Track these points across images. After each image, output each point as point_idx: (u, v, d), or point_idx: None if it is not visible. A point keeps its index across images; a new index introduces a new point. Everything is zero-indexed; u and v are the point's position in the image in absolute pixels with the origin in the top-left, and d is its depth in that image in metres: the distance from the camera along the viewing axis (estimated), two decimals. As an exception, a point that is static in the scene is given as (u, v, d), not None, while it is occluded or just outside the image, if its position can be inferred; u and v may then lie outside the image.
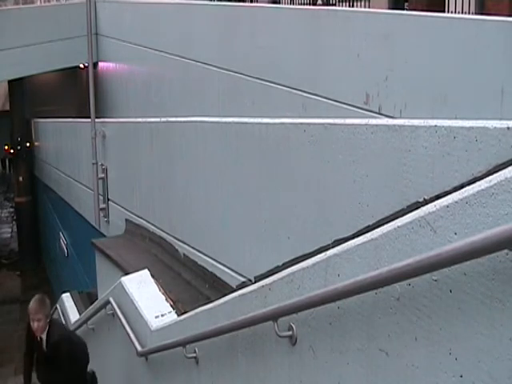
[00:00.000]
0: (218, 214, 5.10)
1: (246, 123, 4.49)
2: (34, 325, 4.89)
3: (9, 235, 23.18)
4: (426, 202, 2.38)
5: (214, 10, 9.70)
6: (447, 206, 1.93)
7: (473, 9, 8.03)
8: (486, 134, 2.11)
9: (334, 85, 6.21)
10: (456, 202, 1.90)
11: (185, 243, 5.91)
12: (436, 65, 4.89)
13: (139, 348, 5.08)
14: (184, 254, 5.90)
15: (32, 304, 4.92)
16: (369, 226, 2.84)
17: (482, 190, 1.81)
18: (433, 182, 2.41)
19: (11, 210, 25.32)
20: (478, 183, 1.87)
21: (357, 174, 3.03)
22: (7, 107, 20.75)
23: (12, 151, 19.93)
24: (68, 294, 9.74)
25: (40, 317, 4.88)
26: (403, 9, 10.06)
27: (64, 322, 8.96)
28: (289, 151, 3.77)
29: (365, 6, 10.44)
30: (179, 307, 5.19)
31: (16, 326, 14.88)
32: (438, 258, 1.78)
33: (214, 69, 8.91)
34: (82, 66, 15.68)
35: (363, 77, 5.71)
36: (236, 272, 4.69)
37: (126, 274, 6.09)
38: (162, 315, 5.12)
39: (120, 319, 5.58)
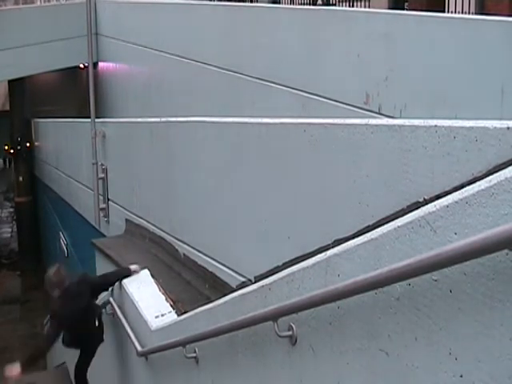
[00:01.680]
0: (218, 213, 5.10)
1: (246, 123, 4.49)
2: None
3: (9, 235, 23.16)
4: (426, 202, 2.38)
5: (214, 9, 9.70)
6: (447, 206, 1.93)
7: (473, 9, 8.02)
8: (486, 133, 2.11)
9: (334, 85, 6.21)
10: (456, 202, 1.90)
11: (185, 243, 5.90)
12: (436, 65, 4.89)
13: (139, 348, 5.08)
14: (184, 254, 5.90)
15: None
16: (369, 226, 2.84)
17: (482, 190, 1.81)
18: (433, 182, 2.41)
19: (11, 209, 25.29)
20: (477, 183, 1.87)
21: (357, 174, 3.03)
22: (7, 107, 20.73)
23: (12, 151, 19.91)
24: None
25: None
26: (403, 9, 10.05)
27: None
28: (289, 151, 3.77)
29: (365, 6, 10.43)
30: (179, 307, 5.19)
31: (16, 325, 14.88)
32: (438, 257, 1.77)
33: (214, 69, 8.91)
34: (81, 65, 15.67)
35: (363, 77, 5.71)
36: (236, 272, 4.69)
37: (126, 273, 6.08)
38: (162, 315, 5.12)
39: (120, 319, 5.59)
